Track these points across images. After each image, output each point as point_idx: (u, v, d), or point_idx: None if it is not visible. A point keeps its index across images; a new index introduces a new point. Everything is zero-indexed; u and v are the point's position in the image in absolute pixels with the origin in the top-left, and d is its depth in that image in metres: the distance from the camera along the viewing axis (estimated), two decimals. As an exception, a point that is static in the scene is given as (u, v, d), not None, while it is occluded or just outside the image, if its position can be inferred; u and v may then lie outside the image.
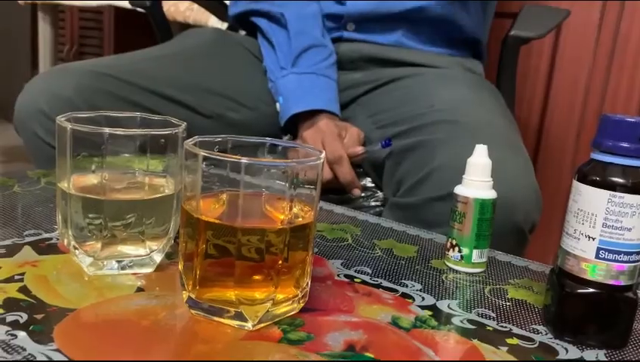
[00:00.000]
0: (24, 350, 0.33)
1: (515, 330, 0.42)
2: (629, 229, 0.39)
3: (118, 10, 2.46)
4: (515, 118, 0.90)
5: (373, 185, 0.86)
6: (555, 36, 1.28)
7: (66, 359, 0.32)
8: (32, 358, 0.32)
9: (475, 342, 0.39)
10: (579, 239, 0.40)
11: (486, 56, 1.04)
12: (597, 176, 0.39)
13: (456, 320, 0.42)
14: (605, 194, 0.39)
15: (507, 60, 0.93)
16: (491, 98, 0.86)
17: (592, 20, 1.24)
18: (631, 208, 0.38)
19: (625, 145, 0.38)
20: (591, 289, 0.40)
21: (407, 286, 0.48)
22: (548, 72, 1.31)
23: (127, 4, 1.25)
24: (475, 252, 0.52)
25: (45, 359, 0.32)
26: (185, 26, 1.80)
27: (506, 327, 0.42)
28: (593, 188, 0.39)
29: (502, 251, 0.59)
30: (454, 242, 0.52)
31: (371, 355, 0.36)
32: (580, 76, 1.27)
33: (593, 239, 0.39)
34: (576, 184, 0.41)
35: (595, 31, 1.24)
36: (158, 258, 0.46)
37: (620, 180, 0.39)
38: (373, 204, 0.84)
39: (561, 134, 1.31)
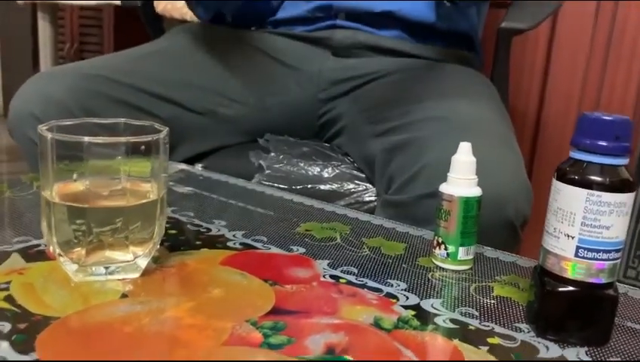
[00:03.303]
0: (5, 360, 0.33)
1: (498, 329, 0.42)
2: (608, 228, 0.39)
3: (118, 9, 2.47)
4: (508, 110, 0.90)
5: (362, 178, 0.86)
6: (552, 26, 1.27)
7: (47, 368, 0.33)
8: (12, 368, 0.33)
9: (456, 342, 0.40)
10: (558, 238, 0.40)
11: (481, 50, 1.04)
12: (575, 175, 0.39)
13: (438, 320, 0.43)
14: (583, 192, 0.39)
15: (500, 52, 0.93)
16: (484, 92, 0.86)
17: (588, 10, 1.23)
18: (609, 206, 0.38)
19: (602, 143, 0.38)
20: (571, 288, 0.40)
21: (392, 285, 0.48)
22: (544, 63, 1.30)
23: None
24: (461, 249, 0.52)
25: (26, 369, 0.33)
26: (182, 23, 1.80)
27: (488, 326, 0.42)
28: (571, 186, 0.39)
29: (495, 247, 0.59)
30: (440, 240, 0.53)
31: (350, 358, 0.36)
32: (577, 67, 1.26)
33: (572, 238, 0.39)
34: (555, 183, 0.41)
35: (591, 20, 1.23)
36: (143, 263, 0.46)
37: (598, 179, 0.39)
38: (367, 199, 0.84)
39: (558, 125, 1.30)
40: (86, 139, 0.41)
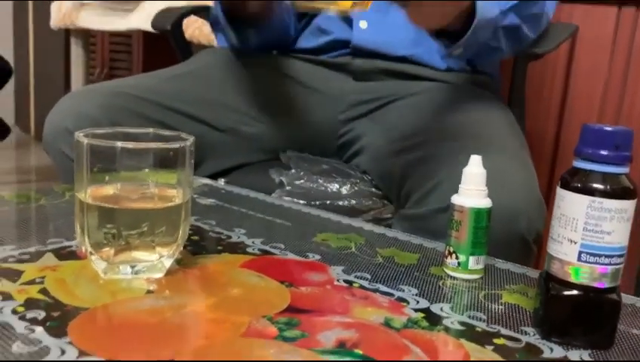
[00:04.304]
0: (40, 342, 0.36)
1: (504, 331, 0.44)
2: (609, 233, 0.40)
3: (147, 35, 2.55)
4: (524, 132, 0.92)
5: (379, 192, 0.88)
6: (570, 48, 1.29)
7: (77, 350, 0.35)
8: (46, 349, 0.35)
9: (463, 341, 0.41)
10: (562, 243, 0.42)
11: (498, 74, 1.06)
12: (578, 183, 0.41)
13: (447, 322, 0.44)
14: (585, 199, 0.41)
15: (517, 76, 0.95)
16: (500, 114, 0.88)
17: (607, 32, 1.25)
18: (609, 212, 0.40)
19: (603, 152, 0.40)
20: (575, 292, 0.42)
21: (403, 290, 0.50)
22: (563, 86, 1.32)
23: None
24: (472, 259, 0.54)
25: (58, 351, 0.35)
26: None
27: (495, 329, 0.44)
28: (574, 193, 0.41)
29: (508, 261, 0.60)
30: (452, 249, 0.54)
31: (360, 352, 0.38)
32: (595, 90, 1.28)
33: (575, 243, 0.41)
34: (559, 190, 0.43)
35: (609, 44, 1.25)
36: (167, 263, 0.49)
37: (600, 186, 0.40)
38: (384, 216, 0.86)
39: (576, 148, 1.31)
40: (118, 144, 0.45)
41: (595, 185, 0.40)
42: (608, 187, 0.40)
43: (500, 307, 0.48)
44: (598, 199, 0.40)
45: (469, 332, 0.43)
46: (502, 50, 0.86)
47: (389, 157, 0.86)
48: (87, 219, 0.46)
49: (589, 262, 0.41)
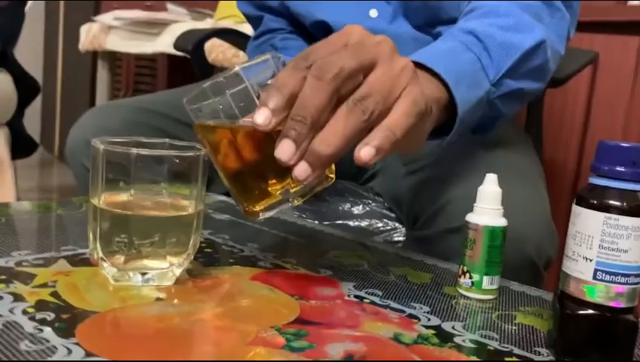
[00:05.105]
0: (48, 341, 0.36)
1: (516, 351, 0.43)
2: (625, 251, 0.39)
3: (171, 58, 2.61)
4: (541, 157, 0.91)
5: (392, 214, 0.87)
6: (591, 77, 1.28)
7: (83, 351, 0.35)
8: (53, 349, 0.35)
9: (474, 358, 0.40)
10: (577, 261, 0.41)
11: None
12: (593, 199, 0.41)
13: (458, 339, 0.43)
14: (601, 216, 0.40)
15: (534, 101, 0.95)
16: (514, 138, 0.88)
17: (628, 61, 1.24)
18: (626, 230, 0.39)
19: (619, 169, 0.40)
20: (591, 311, 0.41)
21: (415, 308, 0.49)
22: (584, 115, 1.31)
23: (179, 52, 1.33)
24: (486, 278, 0.53)
25: (65, 351, 0.35)
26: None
27: (507, 348, 0.43)
28: (589, 210, 0.40)
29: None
30: (465, 268, 0.54)
31: (367, 364, 0.38)
32: (617, 119, 1.27)
33: (590, 260, 0.40)
34: (574, 207, 0.42)
35: (631, 71, 1.24)
36: (178, 272, 0.49)
37: (615, 203, 0.40)
38: (396, 239, 0.85)
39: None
40: (134, 150, 0.45)
41: (611, 202, 0.40)
42: (625, 204, 0.39)
43: (514, 327, 0.47)
44: (614, 216, 0.39)
45: (480, 351, 0.42)
46: (505, 116, 0.73)
47: (401, 178, 0.85)
48: (99, 226, 0.47)
49: (604, 281, 0.40)
